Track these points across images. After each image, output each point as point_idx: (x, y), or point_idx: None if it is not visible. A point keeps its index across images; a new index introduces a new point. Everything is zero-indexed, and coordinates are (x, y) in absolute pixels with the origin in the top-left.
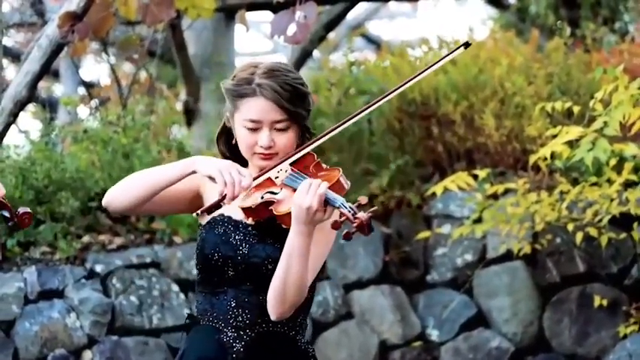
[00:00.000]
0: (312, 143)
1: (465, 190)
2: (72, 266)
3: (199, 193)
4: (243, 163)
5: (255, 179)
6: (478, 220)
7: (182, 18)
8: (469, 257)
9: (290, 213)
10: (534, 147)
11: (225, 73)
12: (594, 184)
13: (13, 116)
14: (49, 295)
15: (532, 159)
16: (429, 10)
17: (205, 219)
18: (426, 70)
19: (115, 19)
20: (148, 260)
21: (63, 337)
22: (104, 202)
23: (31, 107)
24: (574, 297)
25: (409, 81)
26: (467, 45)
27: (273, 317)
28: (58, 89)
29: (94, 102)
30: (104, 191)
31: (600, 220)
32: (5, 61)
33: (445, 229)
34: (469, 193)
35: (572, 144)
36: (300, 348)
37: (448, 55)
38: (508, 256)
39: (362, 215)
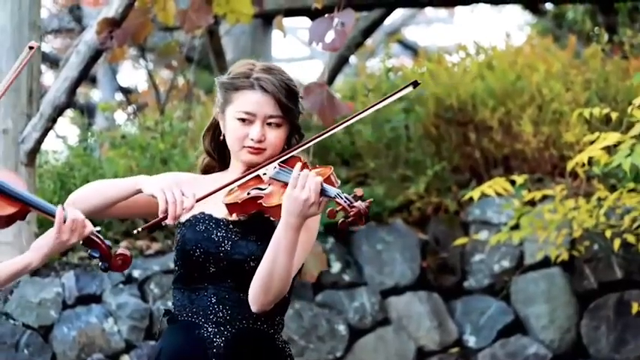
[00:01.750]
0: (301, 146)
1: (503, 197)
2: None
3: (154, 203)
4: (227, 162)
5: (240, 179)
6: (515, 227)
7: (220, 24)
8: (506, 264)
9: (277, 205)
10: (572, 153)
11: None
12: (632, 190)
13: (52, 121)
14: (87, 300)
15: (570, 165)
16: (465, 15)
17: (185, 217)
18: (371, 107)
19: (153, 25)
20: None
21: (101, 341)
22: (66, 202)
23: (69, 113)
24: (612, 304)
25: (354, 117)
26: (415, 84)
27: (254, 308)
28: (96, 95)
29: (132, 108)
30: None
31: (638, 227)
32: (43, 67)
33: (482, 235)
34: (506, 199)
35: (609, 150)
36: (278, 346)
37: (395, 93)
38: (545, 262)
39: (359, 204)
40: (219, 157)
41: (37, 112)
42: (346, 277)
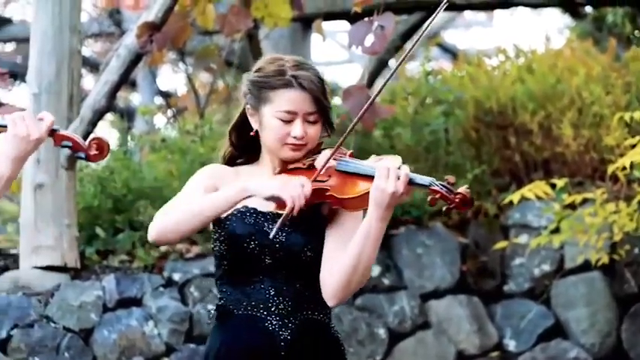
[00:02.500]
0: (344, 138)
1: (543, 200)
2: (150, 275)
3: None
4: (254, 155)
5: (314, 179)
6: (556, 230)
7: (259, 28)
8: (546, 267)
9: (355, 197)
10: (612, 157)
11: None
12: None
13: (92, 125)
14: (127, 303)
15: (610, 169)
16: (505, 19)
17: (227, 212)
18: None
19: (193, 29)
20: None
21: (141, 345)
22: (151, 238)
23: (109, 116)
24: None
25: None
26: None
27: (332, 302)
28: (136, 99)
29: (172, 111)
30: None
31: None
32: (83, 71)
33: (522, 239)
34: (546, 203)
35: None
36: (333, 335)
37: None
38: (586, 266)
39: (463, 189)
40: (247, 151)
41: (77, 116)
42: (386, 281)
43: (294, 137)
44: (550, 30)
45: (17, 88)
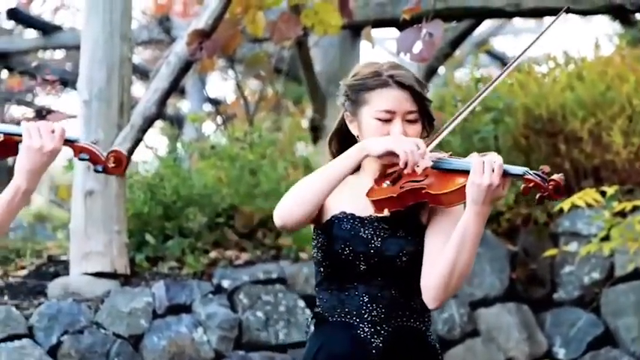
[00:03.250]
0: (442, 132)
1: (593, 208)
2: (199, 281)
3: None
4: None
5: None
6: (606, 238)
7: (309, 35)
8: (596, 275)
9: (451, 191)
10: None
11: None
12: None
13: (142, 132)
14: (176, 309)
15: None
16: (554, 26)
17: (325, 217)
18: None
19: (243, 37)
20: (275, 276)
21: (190, 351)
22: (278, 223)
23: (158, 123)
24: None
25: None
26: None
27: (432, 305)
28: (185, 106)
29: (221, 118)
30: (231, 207)
31: None
32: (133, 78)
33: (572, 246)
34: (596, 210)
35: None
36: (430, 343)
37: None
38: (636, 274)
39: (556, 176)
40: None
41: (127, 123)
42: None
43: None
44: (600, 37)
45: (66, 95)
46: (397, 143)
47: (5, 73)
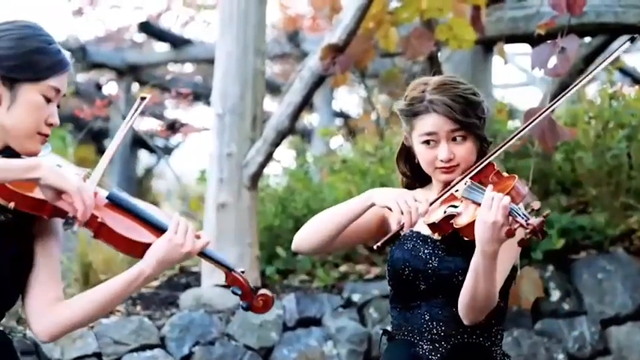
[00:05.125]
0: (492, 154)
1: None
2: (329, 295)
3: (385, 218)
4: (425, 180)
5: (434, 202)
6: None
7: (440, 50)
8: None
9: (470, 224)
10: None
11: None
12: None
13: (275, 146)
14: (307, 322)
15: None
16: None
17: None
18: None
19: (375, 52)
20: None
21: None
22: (293, 246)
23: (288, 137)
24: None
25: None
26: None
27: (466, 322)
28: (313, 119)
29: (350, 132)
30: None
31: None
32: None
33: None
34: None
35: None
36: (495, 359)
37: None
38: None
39: (533, 221)
40: (417, 177)
41: (260, 137)
42: (566, 306)
43: (442, 160)
44: None
45: (197, 108)
46: (397, 202)
47: (136, 86)
